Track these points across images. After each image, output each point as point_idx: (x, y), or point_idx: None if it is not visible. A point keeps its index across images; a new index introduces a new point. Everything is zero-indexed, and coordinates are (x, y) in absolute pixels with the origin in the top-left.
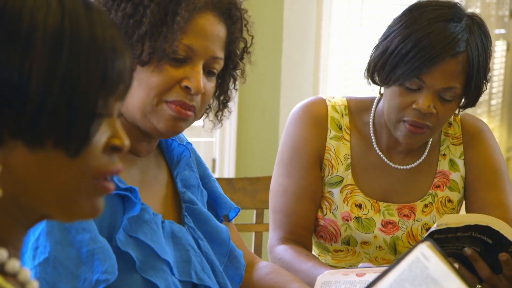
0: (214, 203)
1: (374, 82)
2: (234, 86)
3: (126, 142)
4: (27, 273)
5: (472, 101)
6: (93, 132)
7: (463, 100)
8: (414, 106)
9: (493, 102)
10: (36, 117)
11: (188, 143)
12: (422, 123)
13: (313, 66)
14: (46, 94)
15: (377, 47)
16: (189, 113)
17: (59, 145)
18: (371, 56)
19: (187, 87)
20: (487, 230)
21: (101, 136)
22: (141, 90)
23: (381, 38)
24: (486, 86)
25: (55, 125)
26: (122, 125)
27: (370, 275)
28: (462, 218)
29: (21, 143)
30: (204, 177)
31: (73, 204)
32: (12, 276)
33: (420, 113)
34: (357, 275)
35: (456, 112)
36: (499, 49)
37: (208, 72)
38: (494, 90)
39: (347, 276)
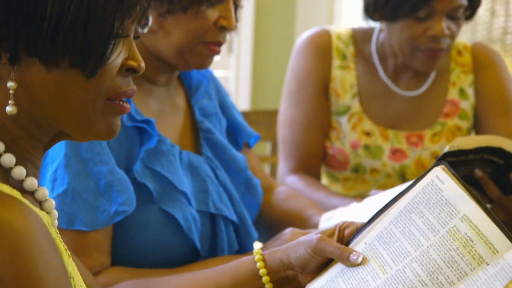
0: (234, 130)
1: (375, 20)
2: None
3: (142, 64)
4: (45, 191)
5: (474, 9)
6: (109, 53)
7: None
8: (428, 33)
9: (508, 38)
10: (53, 36)
11: (207, 70)
12: (439, 47)
13: None
14: (63, 12)
15: None
16: (221, 49)
17: (75, 64)
18: None
19: (222, 27)
20: (498, 151)
21: (117, 57)
22: (179, 33)
23: None
24: None
25: (72, 44)
26: (144, 56)
27: (368, 198)
28: (474, 140)
29: (37, 61)
30: (224, 105)
31: (89, 123)
32: (30, 194)
33: (436, 39)
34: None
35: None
36: None
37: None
38: (509, 27)
39: (347, 206)
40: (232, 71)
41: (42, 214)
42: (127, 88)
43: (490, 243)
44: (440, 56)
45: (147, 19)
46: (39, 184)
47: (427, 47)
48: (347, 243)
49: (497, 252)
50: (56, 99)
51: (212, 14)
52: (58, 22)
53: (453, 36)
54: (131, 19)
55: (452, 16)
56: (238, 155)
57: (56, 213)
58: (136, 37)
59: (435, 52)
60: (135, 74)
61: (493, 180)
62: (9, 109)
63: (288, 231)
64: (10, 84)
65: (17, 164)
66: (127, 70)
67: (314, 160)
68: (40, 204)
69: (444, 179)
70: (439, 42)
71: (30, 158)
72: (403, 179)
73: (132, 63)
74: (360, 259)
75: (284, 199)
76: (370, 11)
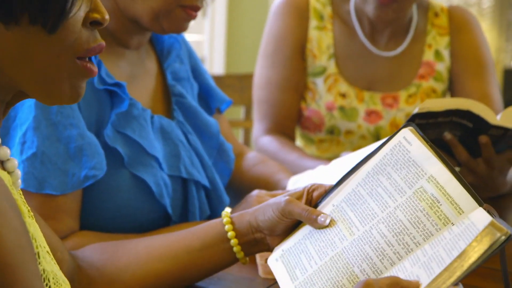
0: (206, 95)
1: None
2: None
3: (106, 16)
4: (6, 151)
5: None
6: (69, 6)
7: None
8: None
9: (485, 2)
10: None
11: (179, 34)
12: None
13: None
14: None
15: None
16: (197, 14)
17: (35, 20)
18: None
19: None
20: (467, 114)
21: (79, 10)
22: None
23: None
24: None
25: None
26: (117, 18)
27: (335, 160)
28: (444, 102)
29: None
30: (196, 70)
31: (53, 84)
32: None
33: None
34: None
35: None
36: None
37: None
38: None
39: (315, 169)
40: (206, 35)
41: (3, 174)
42: (95, 44)
43: (456, 204)
44: (390, 4)
45: None
46: (9, 147)
47: None
48: (315, 205)
49: (463, 212)
50: (18, 58)
51: None
52: None
53: None
54: None
55: None
56: (210, 119)
57: (19, 172)
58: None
59: None
60: (99, 26)
61: (462, 143)
62: None
63: (255, 193)
64: None
65: None
66: (91, 23)
67: (289, 121)
68: (1, 164)
69: (411, 140)
70: None
71: None
72: (378, 141)
73: (95, 15)
74: (327, 221)
75: (253, 165)
76: None
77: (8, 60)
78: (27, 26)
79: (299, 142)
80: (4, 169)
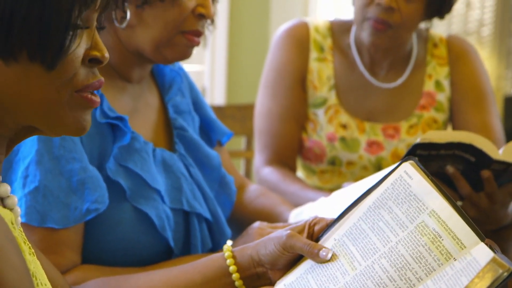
0: (207, 128)
1: None
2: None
3: (106, 54)
4: (7, 187)
5: (437, 8)
6: (67, 44)
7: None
8: (376, 1)
9: (484, 31)
10: (7, 28)
11: (180, 68)
12: (384, 19)
13: None
14: (16, 4)
15: None
16: (200, 40)
17: (34, 57)
18: None
19: (200, 15)
20: (470, 148)
21: (79, 48)
22: (157, 24)
23: None
24: None
25: (28, 36)
26: (119, 52)
27: (336, 192)
28: (446, 134)
29: None
30: (197, 102)
31: (57, 117)
32: None
33: (381, 9)
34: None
35: (425, 21)
36: None
37: None
38: (485, 20)
39: (316, 201)
40: (207, 65)
41: (3, 212)
42: (94, 80)
43: (458, 239)
44: (385, 31)
45: (125, 13)
46: (11, 181)
47: (373, 15)
48: (316, 239)
49: (465, 247)
50: (18, 94)
51: (189, 2)
52: (12, 14)
53: (402, 15)
54: (90, 9)
55: None
56: (212, 152)
57: (19, 209)
58: (101, 28)
59: (378, 23)
60: (99, 64)
61: (464, 177)
62: None
63: (256, 225)
64: None
65: None
66: (90, 60)
67: (290, 151)
68: (1, 200)
69: (412, 174)
70: (384, 13)
71: None
72: (379, 171)
73: (95, 53)
74: (329, 256)
75: (255, 197)
76: None
77: (8, 96)
78: (26, 63)
79: (300, 172)
80: (4, 206)
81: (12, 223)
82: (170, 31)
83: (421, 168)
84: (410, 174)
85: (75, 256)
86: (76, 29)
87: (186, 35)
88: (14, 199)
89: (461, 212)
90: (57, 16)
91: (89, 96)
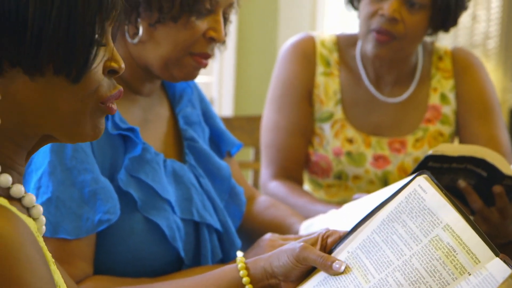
0: (216, 139)
1: (353, 6)
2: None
3: (123, 65)
4: (32, 197)
5: (441, 21)
6: (92, 57)
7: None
8: (379, 12)
9: (490, 43)
10: (36, 45)
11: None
12: (387, 30)
13: (311, 4)
14: (44, 21)
15: None
16: (208, 62)
17: (59, 71)
18: None
19: (211, 38)
20: (482, 163)
21: (100, 60)
22: (168, 43)
23: None
24: (460, 10)
25: (55, 51)
26: (129, 66)
27: (347, 204)
28: (458, 148)
29: (21, 72)
30: (206, 114)
31: (77, 125)
32: (17, 201)
33: (385, 19)
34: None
35: (429, 32)
36: None
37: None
38: (491, 33)
39: (326, 213)
40: (215, 77)
41: (29, 221)
42: (115, 90)
43: (472, 253)
44: (388, 42)
45: (138, 29)
46: None
47: (376, 27)
48: (329, 252)
49: (479, 262)
50: (43, 107)
51: (202, 25)
52: (40, 31)
53: (406, 26)
54: (109, 21)
55: (409, 3)
56: (222, 163)
57: (43, 219)
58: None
59: (382, 34)
60: (116, 75)
61: (475, 191)
62: None
63: (267, 237)
64: None
65: (1, 172)
66: (108, 72)
67: (297, 165)
68: (27, 210)
69: (426, 188)
70: (388, 23)
71: (14, 166)
72: (386, 186)
73: (113, 64)
74: (343, 268)
75: (265, 208)
76: None
77: (32, 109)
78: (51, 77)
79: (307, 186)
80: (29, 215)
81: (37, 233)
82: (180, 51)
83: (434, 182)
84: (424, 188)
85: (87, 267)
86: (100, 44)
87: (194, 57)
88: (40, 209)
89: (475, 226)
90: (82, 31)
91: (110, 105)
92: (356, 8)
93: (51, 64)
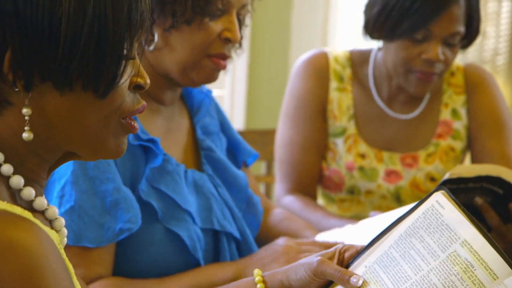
0: (233, 149)
1: (374, 38)
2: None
3: (148, 80)
4: (55, 210)
5: (471, 40)
6: (120, 73)
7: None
8: (423, 56)
9: (499, 60)
10: (67, 60)
11: (209, 90)
12: (432, 71)
13: (323, 19)
14: (76, 37)
15: (372, 3)
16: (226, 63)
17: (88, 87)
18: (367, 13)
19: (227, 39)
20: (497, 181)
21: (128, 76)
22: (184, 47)
23: None
24: (479, 22)
25: (85, 67)
26: (150, 75)
27: (363, 221)
28: (474, 168)
29: (51, 86)
30: (224, 124)
31: (101, 143)
32: (40, 213)
33: (429, 63)
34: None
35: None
36: (506, 5)
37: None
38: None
39: (342, 228)
40: (227, 90)
41: (52, 233)
42: (138, 105)
43: (490, 269)
44: (433, 80)
45: (153, 36)
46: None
47: (420, 69)
48: (347, 266)
49: (497, 278)
50: (70, 121)
51: (216, 26)
52: (72, 47)
53: (447, 62)
54: (137, 38)
55: (449, 43)
56: (239, 173)
57: (65, 231)
58: (138, 53)
59: (427, 75)
60: (141, 90)
61: (492, 208)
62: (25, 135)
63: (281, 241)
64: (25, 110)
65: (25, 185)
66: (134, 87)
67: (311, 180)
68: (50, 222)
69: (444, 204)
70: (432, 66)
71: (37, 179)
72: (398, 200)
73: (139, 80)
74: (360, 282)
75: (280, 220)
76: (369, 28)
77: (59, 124)
78: (79, 92)
79: (320, 201)
80: (52, 227)
81: (59, 245)
82: (197, 54)
83: (452, 198)
84: (441, 204)
85: (103, 271)
86: (128, 60)
87: (212, 59)
88: (62, 221)
89: (493, 242)
90: (112, 48)
91: (132, 123)
92: (374, 38)
93: (81, 79)
